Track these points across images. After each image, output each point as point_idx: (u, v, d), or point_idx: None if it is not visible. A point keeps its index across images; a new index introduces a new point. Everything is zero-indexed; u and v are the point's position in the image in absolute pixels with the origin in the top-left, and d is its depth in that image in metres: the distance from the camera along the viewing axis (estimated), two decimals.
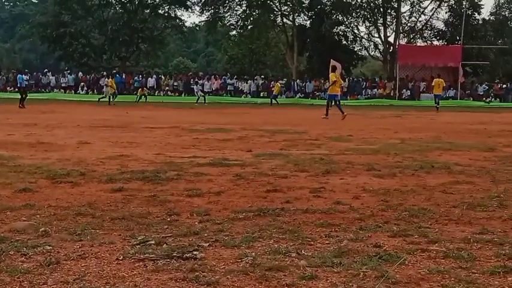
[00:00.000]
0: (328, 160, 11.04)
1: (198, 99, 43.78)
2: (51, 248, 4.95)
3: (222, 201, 7.25)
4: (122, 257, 4.72)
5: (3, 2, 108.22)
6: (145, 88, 47.66)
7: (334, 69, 28.95)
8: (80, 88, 53.59)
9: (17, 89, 38.19)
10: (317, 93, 54.36)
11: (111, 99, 40.11)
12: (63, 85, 53.62)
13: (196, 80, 46.78)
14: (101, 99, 41.27)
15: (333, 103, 28.04)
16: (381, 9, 61.21)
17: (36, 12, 65.81)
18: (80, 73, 55.23)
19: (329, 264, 4.59)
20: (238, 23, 62.93)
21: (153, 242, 5.14)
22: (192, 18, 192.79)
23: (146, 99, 44.81)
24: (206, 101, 43.61)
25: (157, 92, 53.71)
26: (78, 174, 9.09)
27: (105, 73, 52.43)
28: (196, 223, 6.06)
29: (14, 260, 4.63)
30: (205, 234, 5.51)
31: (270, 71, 67.81)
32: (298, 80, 56.58)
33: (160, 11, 63.05)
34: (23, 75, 37.89)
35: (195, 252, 4.76)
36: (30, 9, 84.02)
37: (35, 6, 78.20)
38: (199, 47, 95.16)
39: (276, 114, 31.25)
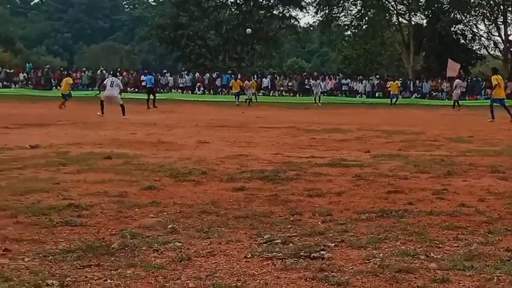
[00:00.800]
0: (449, 161, 10.81)
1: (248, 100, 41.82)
2: (181, 244, 5.09)
3: (343, 201, 7.22)
4: (250, 255, 4.80)
5: (124, 5, 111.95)
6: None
7: (495, 71, 27.27)
8: (196, 88, 54.65)
9: (144, 90, 39.15)
10: (434, 94, 53.21)
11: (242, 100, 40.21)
12: (180, 85, 54.85)
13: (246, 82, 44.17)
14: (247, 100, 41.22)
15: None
16: (501, 7, 59.22)
17: (155, 15, 67.60)
18: (197, 73, 56.31)
19: (460, 267, 4.50)
20: (353, 23, 62.53)
21: (279, 241, 5.19)
22: (306, 18, 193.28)
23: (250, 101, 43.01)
24: (250, 103, 41.60)
25: (272, 92, 54.08)
26: (199, 173, 9.29)
27: (217, 73, 53.37)
28: (319, 223, 6.07)
29: (147, 255, 4.79)
30: (330, 235, 5.52)
31: (385, 70, 66.92)
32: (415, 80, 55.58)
33: (275, 12, 63.46)
34: (151, 76, 38.79)
35: (322, 252, 4.78)
36: (149, 12, 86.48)
37: (154, 9, 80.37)
38: (313, 47, 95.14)
39: (392, 115, 30.84)
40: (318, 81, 47.27)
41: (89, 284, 4.07)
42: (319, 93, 44.26)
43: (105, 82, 27.00)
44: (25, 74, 55.64)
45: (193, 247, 5.04)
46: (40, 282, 4.05)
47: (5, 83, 54.30)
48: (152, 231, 5.56)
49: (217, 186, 8.27)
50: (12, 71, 56.18)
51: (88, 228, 5.75)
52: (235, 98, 41.06)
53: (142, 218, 6.21)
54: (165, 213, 6.45)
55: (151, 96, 34.49)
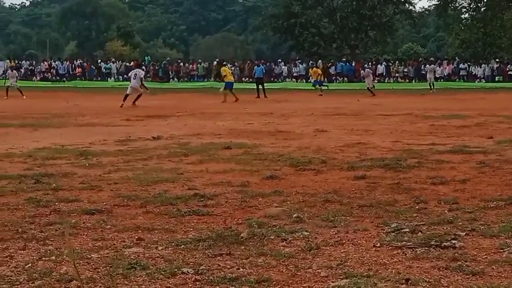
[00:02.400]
0: None
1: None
2: (308, 233, 5.13)
3: (468, 189, 7.07)
4: (379, 244, 4.78)
5: None
6: None
7: None
8: (310, 77, 54.54)
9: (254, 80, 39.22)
10: None
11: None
12: (294, 74, 54.94)
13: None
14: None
15: None
16: None
17: (269, 4, 67.97)
18: (311, 62, 56.20)
19: None
20: (471, 6, 60.61)
21: (407, 229, 5.14)
22: (421, 2, 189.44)
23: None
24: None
25: (387, 79, 53.31)
26: (319, 161, 9.31)
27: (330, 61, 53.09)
28: (446, 211, 5.97)
29: (276, 244, 4.86)
30: (459, 223, 5.42)
31: (505, 54, 64.56)
32: None
33: None
34: (262, 66, 38.92)
35: (453, 241, 4.70)
36: (262, 2, 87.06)
37: None
38: (428, 32, 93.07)
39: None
40: (431, 65, 46.09)
41: (222, 272, 4.17)
42: (433, 78, 43.12)
43: (129, 74, 28.67)
44: (144, 67, 57.20)
45: (321, 236, 5.07)
46: (176, 270, 4.18)
47: (125, 76, 56.00)
48: (278, 221, 5.62)
49: (338, 175, 8.26)
50: (131, 64, 57.84)
51: (215, 217, 5.89)
52: (316, 85, 39.97)
53: (266, 207, 6.29)
54: (288, 202, 6.50)
55: (260, 86, 34.72)
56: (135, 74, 27.14)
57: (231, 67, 37.30)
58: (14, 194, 6.97)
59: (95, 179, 7.96)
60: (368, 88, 36.83)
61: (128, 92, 26.43)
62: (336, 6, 60.96)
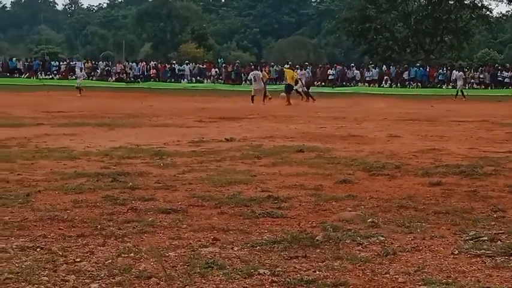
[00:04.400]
0: None
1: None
2: (384, 239, 5.09)
3: None
4: (457, 252, 4.71)
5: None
6: None
7: None
8: (383, 82, 54.09)
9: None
10: None
11: None
12: (367, 79, 54.53)
13: None
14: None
15: None
16: None
17: (342, 8, 67.63)
18: (384, 66, 55.71)
19: None
20: None
21: (486, 238, 5.05)
22: (499, 7, 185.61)
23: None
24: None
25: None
26: (393, 167, 9.22)
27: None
28: None
29: (352, 248, 4.84)
30: None
31: None
32: None
33: (465, 1, 61.34)
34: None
35: None
36: (335, 5, 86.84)
37: (341, 2, 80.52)
38: (506, 38, 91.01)
39: None
40: (459, 73, 44.70)
41: (298, 275, 4.18)
42: (461, 86, 41.74)
43: (250, 77, 31.26)
44: (217, 69, 57.69)
45: (397, 242, 5.03)
46: (252, 271, 4.21)
47: (198, 78, 56.62)
48: (353, 225, 5.60)
49: (413, 180, 8.17)
50: (205, 66, 58.47)
51: (289, 220, 5.90)
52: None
53: (340, 211, 6.28)
54: (362, 207, 6.47)
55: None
56: (254, 76, 29.58)
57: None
58: (92, 191, 7.13)
59: (170, 179, 8.07)
60: (458, 92, 36.79)
61: (253, 94, 28.72)
62: (410, 10, 60.22)
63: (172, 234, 5.22)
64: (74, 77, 55.95)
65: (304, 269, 4.30)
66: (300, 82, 32.39)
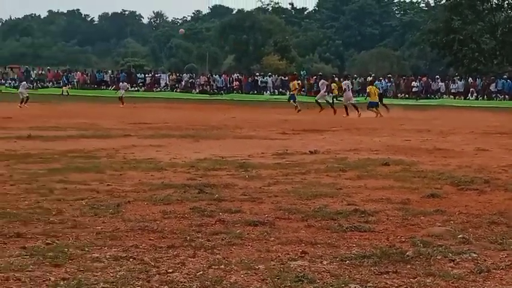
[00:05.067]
0: None
1: None
2: (476, 255, 4.98)
3: None
4: None
5: (394, 11, 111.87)
6: None
7: None
8: (469, 94, 52.97)
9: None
10: None
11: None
12: (452, 91, 53.52)
13: None
14: None
15: None
16: None
17: (427, 19, 66.64)
18: (470, 79, 54.57)
19: None
20: None
21: None
22: None
23: None
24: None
25: None
26: (482, 181, 9.02)
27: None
28: None
29: (443, 265, 4.75)
30: None
31: None
32: None
33: None
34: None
35: None
36: (420, 17, 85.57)
37: (425, 14, 79.35)
38: None
39: None
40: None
41: None
42: None
43: (344, 87, 31.31)
44: (299, 81, 57.65)
45: (490, 259, 4.91)
46: (343, 285, 4.19)
47: (280, 89, 56.73)
48: (443, 240, 5.50)
49: (503, 195, 7.97)
50: (287, 78, 58.50)
51: (377, 234, 5.84)
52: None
53: (429, 226, 6.18)
54: (451, 222, 6.35)
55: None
56: (348, 86, 31.59)
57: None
58: (180, 202, 7.23)
59: (256, 191, 8.11)
60: None
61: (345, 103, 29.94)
62: (497, 21, 58.84)
63: (260, 247, 5.24)
64: (158, 89, 57.17)
65: (396, 284, 4.25)
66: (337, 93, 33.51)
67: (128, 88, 43.95)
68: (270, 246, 5.28)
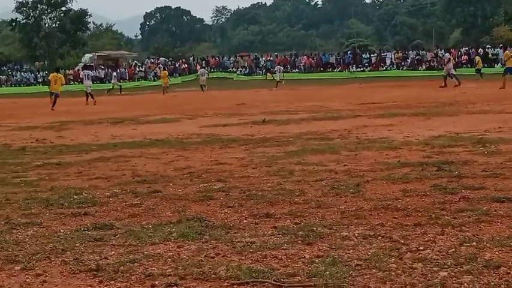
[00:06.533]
0: None
1: None
2: None
3: None
4: None
5: None
6: None
7: None
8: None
9: None
10: None
11: None
12: None
13: None
14: None
15: None
16: None
17: None
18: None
19: None
20: None
21: None
22: None
23: None
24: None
25: None
26: None
27: None
28: None
29: None
30: None
31: None
32: None
33: None
34: None
35: None
36: None
37: None
38: None
39: None
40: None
41: None
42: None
43: None
44: None
45: None
46: None
47: None
48: None
49: None
50: None
51: None
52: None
53: None
54: None
55: None
56: None
57: None
58: (419, 180, 7.14)
59: (497, 167, 7.81)
60: None
61: None
62: None
63: (511, 224, 5.03)
64: (384, 68, 56.76)
65: None
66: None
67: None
68: None
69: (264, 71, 60.17)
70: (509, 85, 28.74)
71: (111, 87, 50.53)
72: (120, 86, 52.33)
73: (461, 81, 32.68)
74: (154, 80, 60.30)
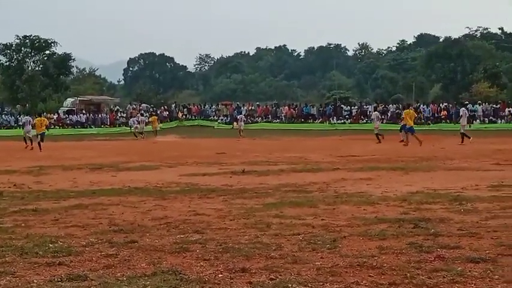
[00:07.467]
0: None
1: None
2: None
3: None
4: None
5: None
6: None
7: None
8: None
9: None
10: None
11: None
12: None
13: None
14: None
15: None
16: None
17: None
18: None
19: None
20: None
21: None
22: None
23: None
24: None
25: None
26: None
27: None
28: None
29: None
30: None
31: None
32: None
33: None
34: None
35: None
36: None
37: None
38: None
39: None
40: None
41: None
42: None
43: None
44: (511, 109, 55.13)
45: None
46: None
47: (491, 118, 54.54)
48: None
49: None
50: (498, 106, 56.12)
51: None
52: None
53: None
54: None
55: None
56: None
57: None
58: (396, 237, 7.17)
59: (473, 226, 7.86)
60: None
61: None
62: None
63: (484, 286, 5.06)
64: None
65: None
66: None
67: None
68: (494, 285, 5.09)
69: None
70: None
71: (140, 132, 48.36)
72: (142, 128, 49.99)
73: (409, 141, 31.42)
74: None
